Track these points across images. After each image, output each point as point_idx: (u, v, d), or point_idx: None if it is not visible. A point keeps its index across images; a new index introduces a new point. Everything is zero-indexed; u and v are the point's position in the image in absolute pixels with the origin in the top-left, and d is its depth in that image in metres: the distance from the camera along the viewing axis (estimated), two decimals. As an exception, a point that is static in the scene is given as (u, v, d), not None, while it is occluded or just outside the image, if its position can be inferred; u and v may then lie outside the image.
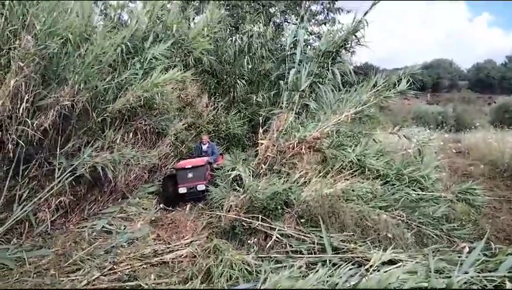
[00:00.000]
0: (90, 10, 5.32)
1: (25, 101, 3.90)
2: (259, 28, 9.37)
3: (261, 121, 6.21)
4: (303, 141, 5.29)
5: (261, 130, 5.87)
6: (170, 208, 5.49)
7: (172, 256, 3.74)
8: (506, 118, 19.98)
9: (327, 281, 2.34)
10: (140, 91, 5.38)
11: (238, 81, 8.98)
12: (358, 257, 3.09)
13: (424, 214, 4.31)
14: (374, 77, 6.13)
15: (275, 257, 3.43)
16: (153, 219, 5.01)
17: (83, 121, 4.99)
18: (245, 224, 4.02)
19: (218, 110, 8.42)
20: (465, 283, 2.11)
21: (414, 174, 5.24)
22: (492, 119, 21.11)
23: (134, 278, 3.29)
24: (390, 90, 6.03)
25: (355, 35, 6.75)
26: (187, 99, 7.70)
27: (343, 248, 3.34)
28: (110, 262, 3.58)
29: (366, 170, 5.15)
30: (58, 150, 4.54)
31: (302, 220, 3.98)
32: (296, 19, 12.44)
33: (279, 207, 4.13)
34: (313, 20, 14.43)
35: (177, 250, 3.90)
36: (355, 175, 4.90)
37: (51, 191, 4.28)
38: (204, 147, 6.68)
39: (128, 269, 3.46)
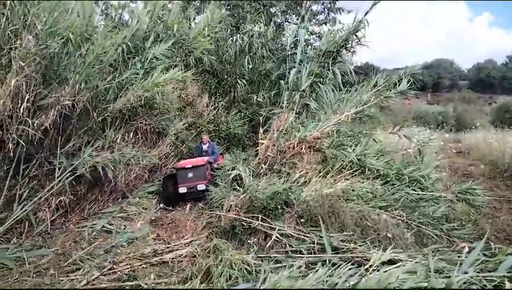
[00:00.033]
0: (91, 10, 5.32)
1: (25, 100, 3.91)
2: (260, 27, 9.38)
3: (261, 121, 6.22)
4: (303, 140, 5.29)
5: (261, 130, 5.87)
6: (170, 208, 5.49)
7: (172, 256, 3.74)
8: (506, 118, 19.95)
9: (327, 281, 2.34)
10: (141, 91, 5.39)
11: (239, 81, 8.98)
12: (358, 257, 3.09)
13: (424, 214, 4.31)
14: (375, 76, 6.15)
15: (275, 256, 3.43)
16: (153, 218, 5.01)
17: (84, 121, 5.00)
18: (245, 224, 4.02)
19: (218, 110, 8.42)
20: (465, 283, 2.11)
21: (414, 174, 5.24)
22: (493, 119, 21.10)
23: (134, 278, 3.29)
24: (390, 90, 6.04)
25: (356, 35, 6.76)
26: (187, 99, 7.69)
27: (342, 248, 3.34)
28: (109, 262, 3.58)
29: (366, 169, 5.15)
30: (58, 149, 4.55)
31: (302, 220, 3.98)
32: (297, 19, 12.43)
33: (279, 207, 4.13)
34: (314, 20, 14.43)
35: (177, 250, 3.90)
36: (355, 175, 4.90)
37: (51, 191, 4.29)
38: (205, 147, 6.68)
39: (127, 268, 3.46)
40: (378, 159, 5.43)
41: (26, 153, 4.24)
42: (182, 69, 6.56)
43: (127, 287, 3.16)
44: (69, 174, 4.42)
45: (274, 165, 5.30)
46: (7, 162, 4.08)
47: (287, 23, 14.24)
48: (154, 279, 3.28)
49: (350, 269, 2.52)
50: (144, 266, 3.54)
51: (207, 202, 5.44)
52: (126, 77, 5.55)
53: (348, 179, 4.67)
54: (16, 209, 4.02)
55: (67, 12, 4.66)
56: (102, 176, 4.75)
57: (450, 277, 2.13)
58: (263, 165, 5.31)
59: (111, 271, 3.42)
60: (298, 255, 3.40)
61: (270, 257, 3.42)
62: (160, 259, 3.68)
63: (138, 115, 6.02)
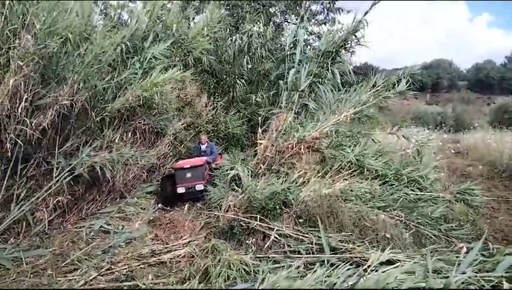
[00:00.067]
0: (90, 10, 5.32)
1: (24, 100, 3.90)
2: (259, 27, 9.40)
3: (260, 121, 6.20)
4: (302, 141, 5.29)
5: (260, 130, 5.87)
6: (168, 208, 5.48)
7: (170, 256, 3.73)
8: (505, 118, 19.98)
9: (325, 281, 2.34)
10: (140, 91, 5.38)
11: (238, 81, 8.97)
12: (356, 257, 3.09)
13: (423, 214, 4.31)
14: (374, 77, 6.15)
15: (273, 257, 3.42)
16: (151, 218, 4.99)
17: (82, 121, 4.99)
18: (243, 224, 4.01)
19: (217, 109, 8.40)
20: (463, 283, 2.11)
21: (413, 174, 5.26)
22: (492, 119, 21.13)
23: (132, 278, 3.28)
24: (389, 91, 6.04)
25: (355, 35, 6.76)
26: (186, 99, 7.68)
27: (341, 248, 3.34)
28: (107, 262, 3.57)
29: (365, 170, 5.15)
30: (56, 149, 4.54)
31: (301, 220, 3.98)
32: (296, 19, 12.45)
33: (277, 207, 4.12)
34: (313, 20, 14.44)
35: (175, 250, 3.89)
36: (354, 175, 4.90)
37: (49, 191, 4.28)
38: (203, 147, 6.68)
39: (125, 269, 3.45)
40: (376, 159, 5.44)
41: (24, 152, 4.22)
42: (180, 69, 6.55)
43: (125, 288, 3.15)
44: (67, 174, 4.41)
45: (273, 165, 5.29)
46: (5, 161, 4.06)
47: (286, 23, 14.25)
48: (152, 279, 3.27)
49: (348, 269, 2.52)
50: (142, 266, 3.53)
51: (205, 202, 5.44)
52: (125, 77, 5.54)
53: (346, 179, 4.68)
54: (14, 209, 4.01)
55: (66, 11, 4.64)
56: (101, 176, 4.74)
57: (448, 277, 2.13)
58: (262, 165, 5.31)
59: (109, 271, 3.41)
60: (296, 256, 3.40)
61: (269, 257, 3.42)
62: (158, 259, 3.67)
63: (137, 114, 6.01)
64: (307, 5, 13.29)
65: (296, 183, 4.72)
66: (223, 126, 8.25)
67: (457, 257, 2.65)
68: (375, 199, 4.45)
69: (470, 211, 5.20)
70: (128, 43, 5.74)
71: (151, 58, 6.07)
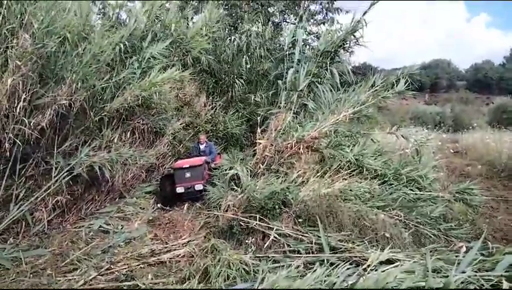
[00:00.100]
0: (88, 9, 5.31)
1: (22, 100, 3.89)
2: (258, 27, 9.39)
3: (259, 121, 6.20)
4: (301, 140, 5.29)
5: (259, 130, 5.86)
6: (168, 208, 5.47)
7: (169, 256, 3.72)
8: (503, 118, 20.03)
9: (325, 281, 2.33)
10: (138, 90, 5.38)
11: (237, 81, 8.96)
12: (356, 257, 3.09)
13: (422, 214, 4.31)
14: (372, 77, 6.16)
15: (273, 256, 3.42)
16: (151, 218, 4.99)
17: (81, 120, 4.98)
18: (243, 224, 4.01)
19: (216, 109, 8.40)
20: (462, 282, 2.11)
21: (412, 174, 5.26)
22: (490, 119, 21.17)
23: (132, 278, 3.28)
24: (388, 91, 6.06)
25: (354, 35, 6.77)
26: (185, 98, 7.68)
27: (340, 248, 3.34)
28: (107, 262, 3.56)
29: (364, 169, 5.15)
30: (55, 149, 4.53)
31: (300, 220, 3.97)
32: (295, 19, 12.46)
33: (277, 207, 4.12)
34: (312, 20, 14.47)
35: (175, 250, 3.89)
36: (353, 175, 4.90)
37: (48, 191, 4.27)
38: (202, 147, 6.67)
39: (125, 268, 3.45)
40: (376, 159, 5.44)
41: (23, 152, 4.21)
42: (179, 69, 6.56)
43: (124, 288, 3.14)
44: (66, 174, 4.40)
45: (272, 165, 5.29)
46: (3, 161, 4.05)
47: (285, 23, 14.28)
48: (152, 279, 3.26)
49: (348, 268, 2.52)
50: (142, 266, 3.53)
51: (205, 202, 5.43)
52: (123, 77, 5.53)
53: (345, 179, 4.68)
54: (13, 209, 4.00)
55: (65, 11, 4.64)
56: (100, 175, 4.74)
57: (447, 276, 2.13)
58: (261, 165, 5.31)
59: (108, 271, 3.40)
60: (296, 255, 3.39)
61: (268, 256, 3.41)
62: (158, 259, 3.67)
63: (135, 114, 6.00)
64: (305, 5, 13.30)
65: (295, 183, 4.72)
66: (222, 126, 8.25)
67: (456, 256, 2.65)
68: (375, 198, 4.45)
69: (469, 211, 5.21)
70: (126, 42, 5.74)
71: (149, 58, 6.07)
